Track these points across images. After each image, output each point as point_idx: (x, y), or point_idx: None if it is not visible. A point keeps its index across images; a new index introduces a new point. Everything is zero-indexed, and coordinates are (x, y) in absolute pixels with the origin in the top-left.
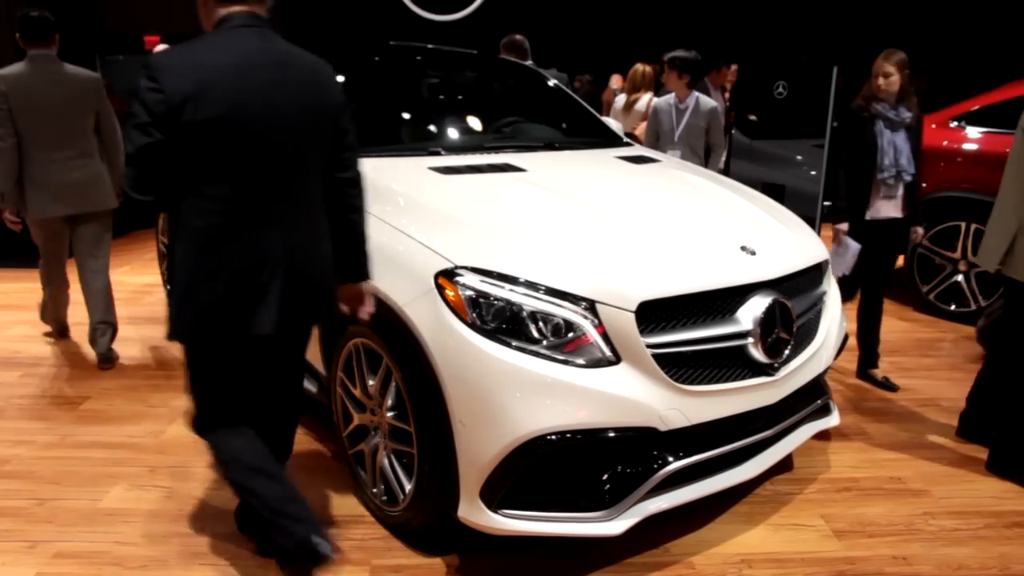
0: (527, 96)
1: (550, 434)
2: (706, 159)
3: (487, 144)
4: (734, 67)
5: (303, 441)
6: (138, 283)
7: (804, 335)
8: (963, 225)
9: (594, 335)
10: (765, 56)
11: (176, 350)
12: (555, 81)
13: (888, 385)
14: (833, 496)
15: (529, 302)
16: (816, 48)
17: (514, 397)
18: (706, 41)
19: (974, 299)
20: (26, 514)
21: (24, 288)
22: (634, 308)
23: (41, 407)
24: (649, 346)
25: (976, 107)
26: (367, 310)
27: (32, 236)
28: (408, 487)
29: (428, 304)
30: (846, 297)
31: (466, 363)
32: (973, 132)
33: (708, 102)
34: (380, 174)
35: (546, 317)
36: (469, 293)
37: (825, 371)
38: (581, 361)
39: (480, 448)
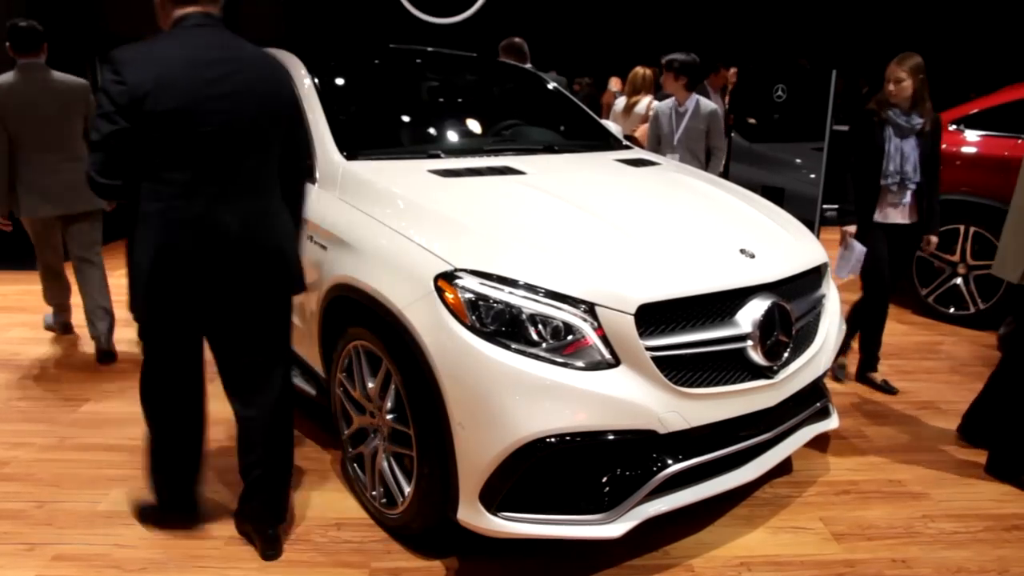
0: (527, 99)
1: (549, 436)
2: (706, 163)
3: (487, 147)
4: (733, 70)
5: (302, 443)
6: None
7: (803, 338)
8: (962, 228)
9: (593, 338)
10: (764, 59)
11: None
12: (554, 84)
13: (887, 388)
14: (832, 499)
15: (528, 305)
16: (815, 52)
17: (513, 399)
18: (706, 44)
19: (973, 302)
20: (25, 516)
21: (23, 290)
22: (633, 311)
23: (40, 409)
24: (648, 349)
25: (975, 110)
26: None
27: (30, 236)
28: (407, 489)
29: (428, 307)
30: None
31: (465, 365)
32: (972, 135)
33: (708, 105)
34: (380, 177)
35: (545, 320)
36: (468, 296)
37: (824, 374)
38: (580, 364)
39: (479, 450)
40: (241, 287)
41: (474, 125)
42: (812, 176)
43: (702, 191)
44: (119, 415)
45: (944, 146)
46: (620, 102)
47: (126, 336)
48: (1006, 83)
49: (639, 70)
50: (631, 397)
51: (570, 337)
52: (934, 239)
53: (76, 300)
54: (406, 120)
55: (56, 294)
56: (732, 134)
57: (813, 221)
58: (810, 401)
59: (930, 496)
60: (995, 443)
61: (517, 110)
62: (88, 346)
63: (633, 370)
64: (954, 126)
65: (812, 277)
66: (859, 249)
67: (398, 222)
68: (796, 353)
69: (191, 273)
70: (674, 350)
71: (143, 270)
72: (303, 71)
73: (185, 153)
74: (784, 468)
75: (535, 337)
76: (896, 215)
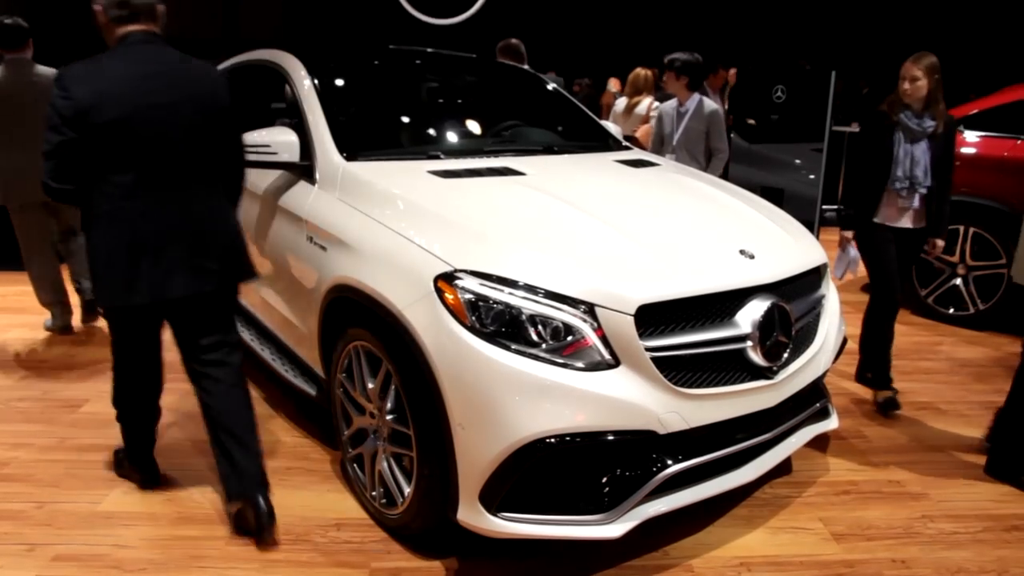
0: (526, 100)
1: (549, 437)
2: (707, 165)
3: (486, 148)
4: (732, 71)
5: (302, 444)
6: None
7: (803, 339)
8: (962, 229)
9: (593, 338)
10: (764, 60)
11: (174, 351)
12: (554, 85)
13: (889, 406)
14: (832, 499)
15: (528, 305)
16: (815, 52)
17: (513, 400)
18: (705, 45)
19: (973, 303)
20: (25, 517)
21: (23, 291)
22: (633, 311)
23: (40, 410)
24: (648, 349)
25: (974, 111)
26: None
27: (15, 229)
28: (407, 490)
29: (427, 307)
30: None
31: (465, 366)
32: (971, 136)
33: (709, 105)
34: (380, 177)
35: (545, 320)
36: (468, 296)
37: (824, 374)
38: (580, 364)
39: (479, 451)
40: (187, 277)
41: (474, 126)
42: (811, 177)
43: (702, 192)
44: None
45: None
46: (620, 103)
47: None
48: (1006, 84)
49: (640, 71)
50: (631, 398)
51: (570, 338)
52: (940, 243)
53: (75, 299)
54: (406, 121)
55: (48, 289)
56: (731, 135)
57: (812, 222)
58: (810, 401)
59: (930, 496)
60: (994, 443)
61: (517, 111)
62: (89, 345)
63: (633, 371)
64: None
65: (811, 278)
66: (854, 254)
67: (398, 223)
68: (796, 354)
69: (141, 265)
70: (674, 351)
71: (100, 264)
72: (303, 72)
73: (128, 158)
74: (784, 468)
75: (535, 338)
76: (904, 219)
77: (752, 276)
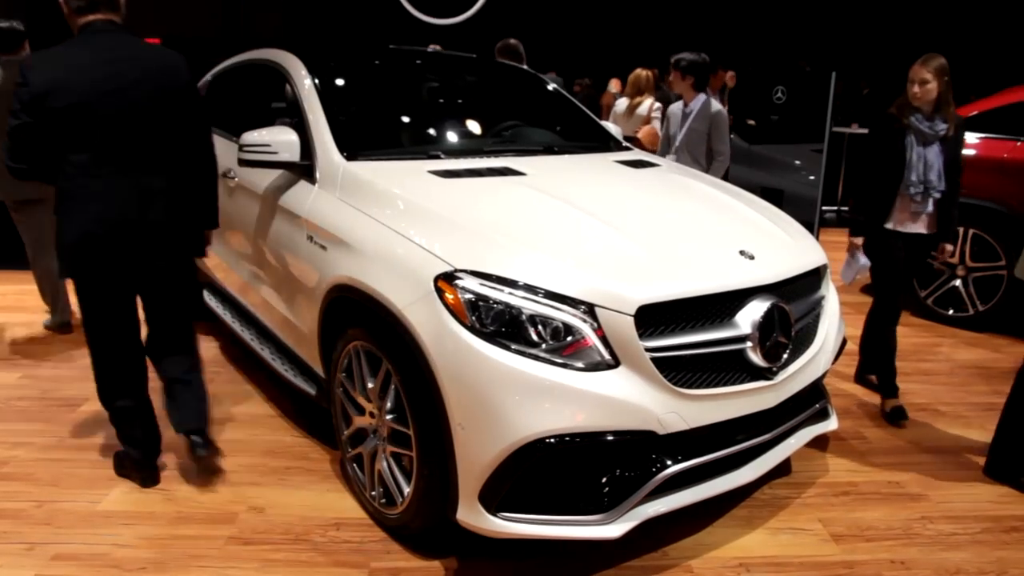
0: (526, 100)
1: (549, 437)
2: (708, 167)
3: (487, 148)
4: (731, 73)
5: (302, 443)
6: None
7: (802, 339)
8: (961, 230)
9: (593, 338)
10: (764, 61)
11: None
12: (554, 85)
13: (898, 415)
14: (831, 500)
15: (528, 305)
16: (815, 53)
17: (513, 400)
18: (705, 45)
19: (972, 304)
20: (24, 516)
21: (23, 290)
22: (633, 312)
23: (40, 409)
24: (648, 350)
25: (974, 112)
26: (206, 251)
27: (16, 225)
28: (407, 490)
29: (427, 307)
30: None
31: (465, 366)
32: (971, 138)
33: (715, 106)
34: (380, 177)
35: (545, 320)
36: (468, 296)
37: (823, 375)
38: (580, 364)
39: (479, 451)
40: (140, 250)
41: (474, 126)
42: (811, 178)
43: (702, 192)
44: None
45: None
46: (621, 103)
47: None
48: (1005, 85)
49: (640, 72)
50: (630, 398)
51: (570, 338)
52: (949, 247)
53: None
54: (406, 121)
55: (49, 280)
56: (731, 136)
57: (812, 223)
58: (809, 402)
59: (929, 497)
60: (993, 444)
61: (517, 111)
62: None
63: (633, 371)
64: None
65: (811, 279)
66: (864, 261)
67: (398, 223)
68: (795, 354)
69: (99, 239)
70: (674, 351)
71: (63, 238)
72: (303, 71)
73: (84, 139)
74: (783, 469)
75: (535, 338)
76: (917, 225)
77: (752, 277)
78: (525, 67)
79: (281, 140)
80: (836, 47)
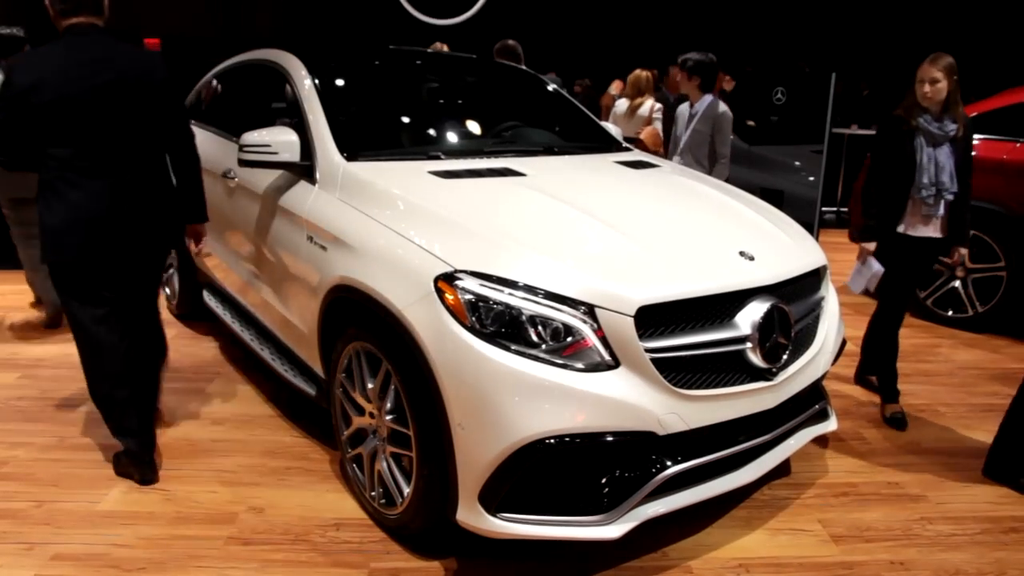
0: (526, 100)
1: (549, 438)
2: (710, 170)
3: (487, 148)
4: (728, 78)
5: (302, 444)
6: None
7: (802, 340)
8: None
9: (593, 339)
10: (764, 62)
11: (174, 352)
12: (554, 86)
13: (897, 423)
14: (831, 501)
15: (528, 306)
16: (815, 54)
17: (513, 401)
18: (705, 46)
19: (971, 305)
20: (24, 516)
21: (23, 290)
22: (633, 312)
23: (39, 409)
24: (648, 350)
25: (974, 114)
26: (200, 246)
27: (8, 218)
28: (407, 490)
29: (427, 308)
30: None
31: (465, 366)
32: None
33: (720, 107)
34: (380, 178)
35: (545, 321)
36: (468, 297)
37: (823, 376)
38: (580, 365)
39: (479, 451)
40: (116, 240)
41: (474, 126)
42: (811, 179)
43: (702, 193)
44: None
45: None
46: (621, 104)
47: None
48: (1005, 87)
49: (639, 72)
50: (630, 399)
51: (570, 338)
52: (963, 250)
53: None
54: (406, 121)
55: (40, 284)
56: (731, 136)
57: (812, 223)
58: (809, 403)
59: (928, 498)
60: (992, 445)
61: (517, 112)
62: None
63: (633, 372)
64: None
65: (811, 279)
66: (877, 268)
67: (398, 223)
68: (795, 355)
69: (74, 228)
70: (674, 352)
71: (41, 226)
72: (303, 72)
73: (65, 135)
74: (783, 470)
75: (535, 338)
76: (928, 229)
77: (752, 277)
78: (522, 68)
79: (281, 140)
80: (836, 48)
